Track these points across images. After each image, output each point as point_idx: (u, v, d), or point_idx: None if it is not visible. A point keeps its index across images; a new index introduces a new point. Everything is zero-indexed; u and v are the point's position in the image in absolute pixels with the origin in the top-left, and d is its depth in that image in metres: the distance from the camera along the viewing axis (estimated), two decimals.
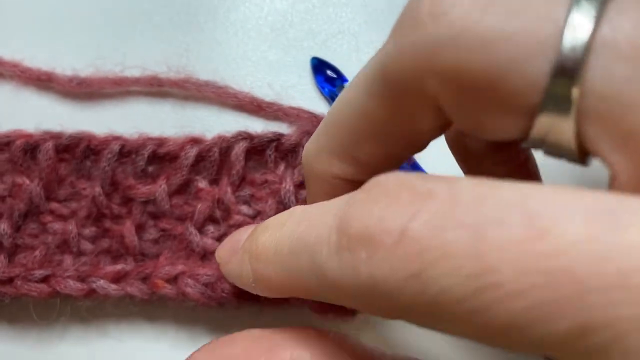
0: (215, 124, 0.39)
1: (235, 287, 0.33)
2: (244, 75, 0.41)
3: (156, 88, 0.39)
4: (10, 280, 0.34)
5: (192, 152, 0.36)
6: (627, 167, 0.19)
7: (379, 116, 0.24)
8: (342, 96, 0.26)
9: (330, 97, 0.39)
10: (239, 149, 0.36)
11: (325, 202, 0.22)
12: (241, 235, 0.28)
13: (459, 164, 0.30)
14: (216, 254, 0.30)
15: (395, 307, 0.18)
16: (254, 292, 0.27)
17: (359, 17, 0.43)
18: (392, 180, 0.19)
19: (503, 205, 0.17)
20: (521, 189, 0.17)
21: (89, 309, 0.36)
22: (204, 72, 0.41)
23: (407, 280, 0.17)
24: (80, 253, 0.36)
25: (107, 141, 0.36)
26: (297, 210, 0.24)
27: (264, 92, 0.40)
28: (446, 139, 0.30)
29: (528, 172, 0.29)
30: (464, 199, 0.17)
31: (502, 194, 0.17)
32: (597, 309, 0.15)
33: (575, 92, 0.19)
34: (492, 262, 0.16)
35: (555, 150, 0.21)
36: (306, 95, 0.41)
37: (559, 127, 0.20)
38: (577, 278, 0.15)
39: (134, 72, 0.40)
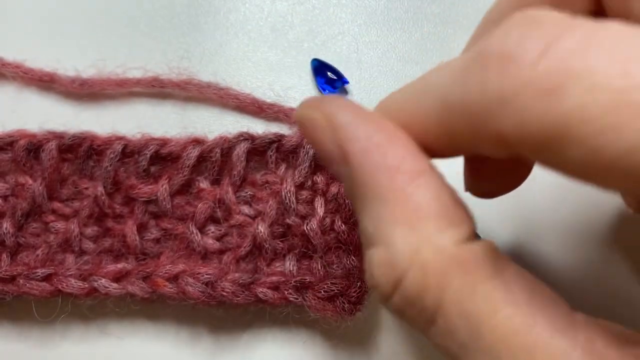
0: (216, 124, 0.40)
1: (235, 286, 0.33)
2: (244, 76, 0.41)
3: (158, 89, 0.39)
4: (12, 279, 0.34)
5: (194, 152, 0.36)
6: None
7: None
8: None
9: None
10: (241, 149, 0.36)
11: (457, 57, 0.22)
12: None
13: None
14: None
15: (518, 126, 0.18)
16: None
17: (359, 19, 0.43)
18: (535, 13, 0.19)
19: None
20: None
21: (91, 308, 0.36)
22: (204, 72, 0.41)
23: (541, 95, 0.17)
24: (82, 252, 0.36)
25: (109, 141, 0.36)
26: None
27: (265, 93, 0.41)
28: None
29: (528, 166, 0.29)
30: (614, 33, 0.17)
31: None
32: None
33: None
34: (639, 81, 0.16)
35: None
36: (306, 96, 0.41)
37: None
38: None
39: (135, 74, 0.40)
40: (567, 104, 0.17)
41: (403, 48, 0.42)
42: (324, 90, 0.40)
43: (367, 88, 0.41)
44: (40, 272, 0.34)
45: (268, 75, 0.41)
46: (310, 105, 0.23)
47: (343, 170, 0.22)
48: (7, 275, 0.34)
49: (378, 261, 0.21)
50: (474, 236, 0.21)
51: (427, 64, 0.42)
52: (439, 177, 0.21)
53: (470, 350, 0.19)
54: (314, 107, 0.23)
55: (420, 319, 0.20)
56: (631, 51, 0.17)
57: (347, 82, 0.40)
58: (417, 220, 0.20)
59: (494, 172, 0.28)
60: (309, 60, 0.41)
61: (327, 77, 0.40)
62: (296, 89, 0.41)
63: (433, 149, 0.22)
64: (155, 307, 0.36)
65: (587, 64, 0.17)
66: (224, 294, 0.33)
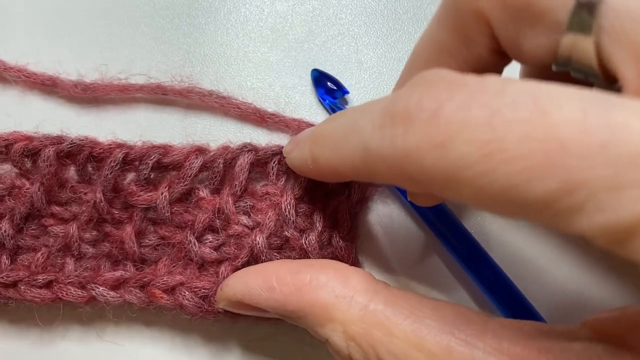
0: (218, 132, 0.40)
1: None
2: (244, 77, 0.41)
3: (160, 96, 0.40)
4: (14, 284, 0.35)
5: (197, 162, 0.36)
6: (635, 77, 0.22)
7: (447, 42, 0.29)
8: (423, 34, 0.31)
9: (331, 109, 0.40)
10: (244, 160, 0.36)
11: (379, 99, 0.27)
12: (303, 134, 0.33)
13: None
14: (283, 151, 0.35)
15: (420, 173, 0.23)
16: (311, 176, 0.32)
17: (358, 19, 0.43)
18: (433, 73, 0.23)
19: (518, 93, 0.21)
20: (534, 84, 0.21)
21: (89, 314, 0.37)
22: (205, 73, 0.41)
23: (433, 149, 0.22)
24: (81, 256, 0.36)
25: (110, 149, 0.36)
26: (355, 106, 0.29)
27: (265, 93, 0.41)
28: None
29: None
30: (489, 88, 0.21)
31: (519, 86, 0.21)
32: (577, 171, 0.19)
33: (596, 11, 0.22)
34: (501, 133, 0.20)
35: (580, 68, 0.24)
36: (306, 97, 0.41)
37: (582, 44, 0.23)
38: (565, 146, 0.19)
39: (138, 80, 0.40)
40: (452, 155, 0.21)
41: (403, 48, 0.42)
42: (324, 100, 0.40)
43: (367, 89, 0.41)
44: (41, 278, 0.35)
45: (268, 75, 0.41)
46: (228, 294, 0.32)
47: (272, 315, 0.31)
48: (8, 280, 0.35)
49: (333, 352, 0.28)
50: (374, 286, 0.28)
51: None
52: (322, 268, 0.29)
53: None
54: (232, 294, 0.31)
55: None
56: (497, 103, 0.21)
57: (347, 92, 0.40)
58: (331, 314, 0.27)
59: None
60: (309, 61, 0.42)
61: (327, 87, 0.40)
62: (296, 89, 0.41)
63: (361, 179, 0.29)
64: (151, 314, 0.37)
65: (465, 119, 0.21)
66: (220, 310, 0.34)
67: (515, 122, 0.20)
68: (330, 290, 0.28)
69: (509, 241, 0.38)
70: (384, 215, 0.39)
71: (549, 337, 0.24)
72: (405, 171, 0.23)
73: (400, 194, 0.38)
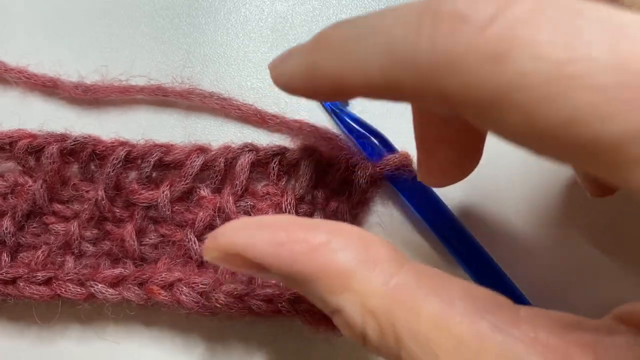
0: (219, 134, 0.40)
1: (229, 298, 0.33)
2: (245, 77, 0.41)
3: (161, 97, 0.40)
4: (13, 281, 0.35)
5: (198, 161, 0.36)
6: None
7: None
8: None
9: (332, 111, 0.40)
10: (245, 160, 0.36)
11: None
12: (297, 46, 0.26)
13: (415, 130, 0.30)
14: (268, 66, 0.29)
15: (461, 87, 0.19)
16: (302, 93, 0.26)
17: None
18: None
19: (600, 14, 0.18)
20: (613, 11, 0.18)
21: (88, 312, 0.37)
22: (205, 73, 0.41)
23: (487, 59, 0.18)
24: (81, 254, 0.37)
25: (113, 146, 0.37)
26: (369, 12, 0.23)
27: (265, 94, 0.41)
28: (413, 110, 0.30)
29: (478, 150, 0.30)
30: (557, 5, 0.18)
31: (598, 8, 0.18)
32: None
33: None
34: (583, 54, 0.17)
35: None
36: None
37: None
38: None
39: (139, 81, 0.40)
40: (509, 71, 0.18)
41: None
42: (327, 105, 0.40)
43: None
44: (41, 275, 0.35)
45: (268, 75, 0.41)
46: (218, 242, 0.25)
47: (272, 277, 0.25)
48: (8, 276, 0.35)
49: (341, 326, 0.24)
50: (400, 257, 0.24)
51: None
52: (341, 231, 0.24)
53: None
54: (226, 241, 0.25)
55: (393, 358, 0.22)
56: (575, 24, 0.17)
57: None
58: (348, 281, 0.23)
59: (444, 162, 0.30)
60: None
61: None
62: None
63: (372, 96, 0.23)
64: (151, 313, 0.37)
65: (533, 33, 0.17)
66: (218, 305, 0.33)
67: (600, 45, 0.17)
68: (350, 254, 0.23)
69: (510, 241, 0.38)
70: (384, 216, 0.39)
71: (584, 330, 0.21)
72: (440, 84, 0.19)
73: (401, 193, 0.38)
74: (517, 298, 0.36)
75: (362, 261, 0.23)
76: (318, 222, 0.25)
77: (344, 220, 0.36)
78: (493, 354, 0.21)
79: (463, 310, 0.22)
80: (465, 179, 0.39)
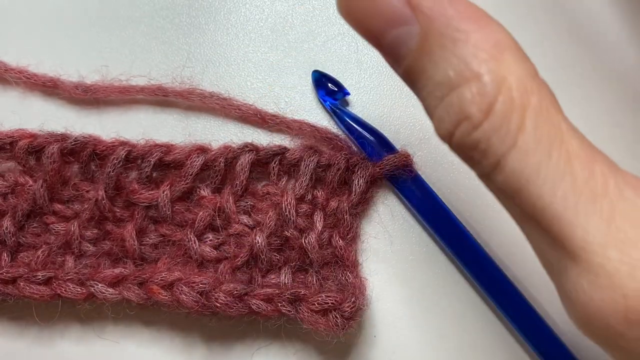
0: (219, 133, 0.40)
1: (229, 297, 0.33)
2: (244, 77, 0.41)
3: (161, 98, 0.40)
4: (13, 281, 0.35)
5: (198, 161, 0.36)
6: None
7: None
8: None
9: (332, 111, 0.40)
10: (245, 160, 0.36)
11: None
12: None
13: None
14: None
15: None
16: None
17: None
18: None
19: None
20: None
21: (88, 312, 0.37)
22: (205, 73, 0.41)
23: None
24: (81, 254, 0.37)
25: (113, 146, 0.37)
26: None
27: (265, 94, 0.41)
28: None
29: None
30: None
31: None
32: None
33: None
34: None
35: None
36: (306, 97, 0.41)
37: None
38: None
39: (139, 81, 0.40)
40: None
41: None
42: (325, 101, 0.40)
43: (367, 89, 0.41)
44: (41, 275, 0.35)
45: (268, 75, 0.42)
46: None
47: (407, 30, 0.23)
48: (8, 276, 0.35)
49: (471, 94, 0.22)
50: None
51: None
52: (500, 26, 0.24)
53: (542, 171, 0.22)
54: None
55: (503, 144, 0.22)
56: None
57: (348, 94, 0.40)
58: (500, 53, 0.22)
59: None
60: (309, 61, 0.42)
61: (328, 88, 0.40)
62: (296, 89, 0.41)
63: None
64: (150, 313, 0.37)
65: None
66: (218, 304, 0.33)
67: None
68: (513, 41, 0.23)
69: (510, 240, 0.38)
70: (385, 215, 0.39)
71: None
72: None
73: (401, 193, 0.38)
74: (514, 296, 0.36)
75: (516, 48, 0.23)
76: None
77: (344, 220, 0.36)
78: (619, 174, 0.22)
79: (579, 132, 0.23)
80: (466, 179, 0.39)
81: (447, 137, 0.24)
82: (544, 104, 0.22)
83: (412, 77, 0.24)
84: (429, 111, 0.24)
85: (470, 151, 0.23)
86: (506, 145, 0.22)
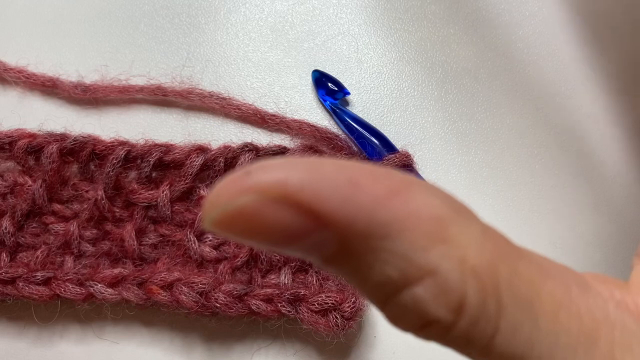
0: (218, 133, 0.40)
1: (228, 298, 0.33)
2: (244, 76, 0.41)
3: (161, 97, 0.40)
4: (12, 281, 0.35)
5: (198, 160, 0.36)
6: None
7: None
8: None
9: (332, 110, 0.40)
10: (245, 159, 0.36)
11: None
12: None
13: None
14: None
15: None
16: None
17: (358, 19, 0.43)
18: None
19: None
20: None
21: (87, 312, 0.37)
22: (204, 73, 0.41)
23: None
24: (80, 255, 0.36)
25: (112, 146, 0.37)
26: None
27: (265, 93, 0.41)
28: None
29: None
30: None
31: None
32: None
33: None
34: None
35: None
36: (306, 97, 0.41)
37: None
38: None
39: (138, 81, 0.40)
40: None
41: (403, 48, 0.42)
42: (325, 101, 0.40)
43: (367, 88, 0.41)
44: (40, 275, 0.35)
45: (268, 75, 0.41)
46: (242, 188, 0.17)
47: (315, 239, 0.17)
48: (7, 276, 0.35)
49: (431, 295, 0.18)
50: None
51: (427, 64, 0.42)
52: (421, 184, 0.19)
53: (535, 345, 0.19)
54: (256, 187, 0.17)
55: (485, 334, 0.18)
56: None
57: (348, 94, 0.40)
58: (445, 230, 0.18)
59: None
60: (309, 61, 0.41)
61: (328, 88, 0.40)
62: (296, 89, 0.41)
63: None
64: (150, 313, 0.37)
65: None
66: (217, 305, 0.33)
67: None
68: (442, 199, 0.18)
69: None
70: None
71: None
72: None
73: None
74: None
75: (457, 209, 0.18)
76: (397, 173, 0.18)
77: None
78: (597, 306, 0.19)
79: (550, 269, 0.19)
80: (466, 179, 0.39)
81: (413, 333, 0.19)
82: (510, 259, 0.18)
83: (341, 273, 0.18)
84: (376, 306, 0.19)
85: (450, 345, 0.19)
86: (488, 335, 0.18)
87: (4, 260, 0.36)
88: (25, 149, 0.36)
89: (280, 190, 0.17)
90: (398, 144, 0.39)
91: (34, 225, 0.37)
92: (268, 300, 0.34)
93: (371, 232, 0.17)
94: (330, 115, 0.40)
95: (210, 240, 0.36)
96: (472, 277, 0.18)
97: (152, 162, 0.36)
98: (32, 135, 0.37)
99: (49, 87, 0.40)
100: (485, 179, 0.39)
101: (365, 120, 0.39)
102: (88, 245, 0.37)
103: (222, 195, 0.17)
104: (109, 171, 0.36)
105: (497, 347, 0.18)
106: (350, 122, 0.39)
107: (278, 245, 0.17)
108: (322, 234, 0.17)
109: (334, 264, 0.18)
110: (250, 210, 0.17)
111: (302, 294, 0.34)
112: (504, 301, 0.18)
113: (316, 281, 0.35)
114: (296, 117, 0.40)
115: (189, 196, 0.37)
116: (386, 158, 0.37)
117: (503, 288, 0.18)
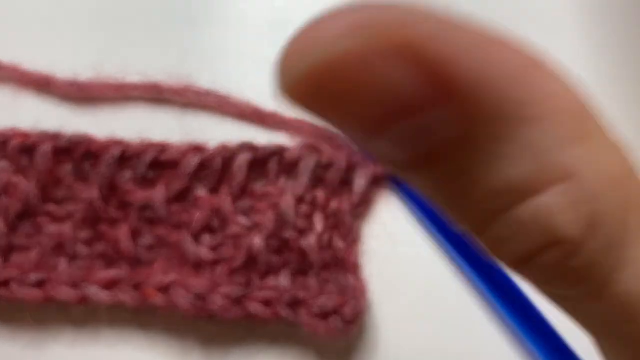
0: (216, 131, 0.40)
1: (226, 300, 0.33)
2: (242, 73, 0.41)
3: (157, 95, 0.39)
4: (5, 283, 0.34)
5: (195, 160, 0.36)
6: None
7: None
8: None
9: None
10: (242, 160, 0.36)
11: None
12: None
13: None
14: None
15: None
16: None
17: None
18: None
19: None
20: None
21: (82, 315, 0.36)
22: (201, 70, 0.41)
23: None
24: (75, 256, 0.36)
25: (107, 146, 0.36)
26: None
27: (262, 91, 0.40)
28: None
29: None
30: None
31: None
32: None
33: None
34: None
35: None
36: None
37: None
38: None
39: (134, 79, 0.40)
40: None
41: None
42: None
43: None
44: (34, 277, 0.34)
45: (266, 71, 0.41)
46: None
47: (428, 118, 0.13)
48: (0, 279, 0.34)
49: (564, 205, 0.14)
50: None
51: None
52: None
53: None
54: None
55: (609, 265, 0.15)
56: None
57: None
58: (585, 127, 0.14)
59: None
60: None
61: None
62: None
63: None
64: (146, 316, 0.36)
65: None
66: (215, 307, 0.33)
67: None
68: (578, 92, 0.14)
69: None
70: (387, 216, 0.38)
71: None
72: None
73: (403, 193, 0.38)
74: (520, 298, 0.35)
75: (589, 105, 0.15)
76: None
77: (344, 221, 0.36)
78: None
79: None
80: None
81: (515, 263, 0.15)
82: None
83: (441, 182, 0.14)
84: (473, 227, 0.15)
85: (557, 279, 0.15)
86: (614, 265, 0.15)
87: None
88: (18, 148, 0.36)
89: (405, 35, 0.12)
90: None
91: (28, 226, 0.36)
92: (267, 303, 0.33)
93: (507, 112, 0.13)
94: None
95: (208, 242, 0.36)
96: (609, 191, 0.14)
97: (147, 162, 0.36)
98: (26, 135, 0.36)
99: (43, 85, 0.39)
100: None
101: None
102: (83, 247, 0.36)
103: (319, 37, 0.12)
104: (104, 171, 0.36)
105: (621, 285, 0.15)
106: None
107: (374, 125, 0.13)
108: (442, 110, 0.13)
109: (437, 162, 0.14)
110: (356, 59, 0.12)
111: (302, 297, 0.33)
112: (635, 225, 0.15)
113: (316, 284, 0.35)
114: (296, 116, 0.39)
115: (185, 197, 0.37)
116: None
117: (635, 210, 0.15)
